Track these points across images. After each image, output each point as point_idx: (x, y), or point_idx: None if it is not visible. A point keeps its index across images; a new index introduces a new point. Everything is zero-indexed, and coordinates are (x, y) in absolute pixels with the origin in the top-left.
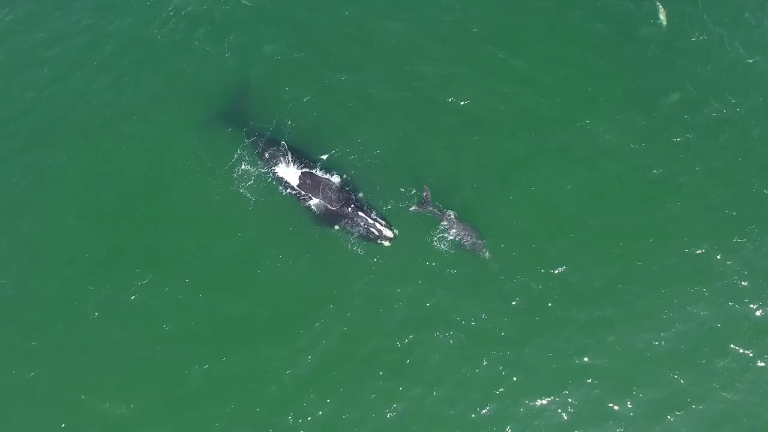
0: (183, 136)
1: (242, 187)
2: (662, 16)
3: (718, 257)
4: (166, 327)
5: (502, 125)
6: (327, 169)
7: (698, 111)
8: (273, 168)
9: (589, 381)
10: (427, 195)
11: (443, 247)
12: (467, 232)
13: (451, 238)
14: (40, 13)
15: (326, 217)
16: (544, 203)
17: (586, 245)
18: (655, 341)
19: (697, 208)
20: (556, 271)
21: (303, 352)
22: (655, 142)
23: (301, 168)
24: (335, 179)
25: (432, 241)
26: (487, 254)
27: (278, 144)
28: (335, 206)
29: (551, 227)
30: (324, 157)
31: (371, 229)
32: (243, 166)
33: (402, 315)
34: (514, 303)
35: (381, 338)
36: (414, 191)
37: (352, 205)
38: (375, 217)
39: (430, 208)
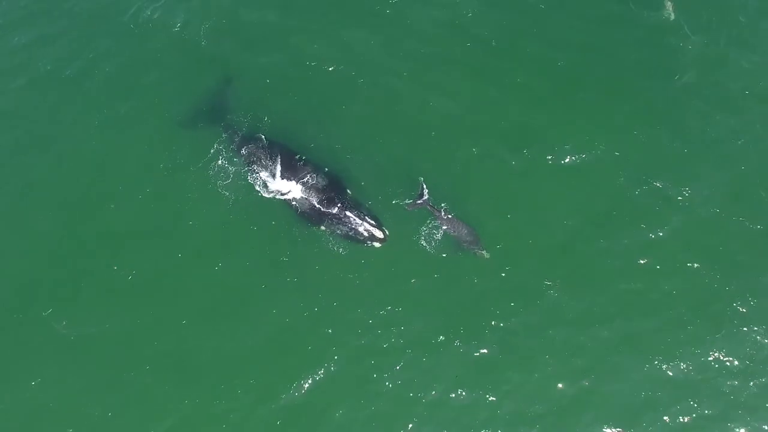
0: (155, 130)
1: (219, 184)
2: (669, 9)
3: (727, 276)
4: (138, 341)
5: (492, 131)
6: (310, 165)
7: (705, 118)
8: (252, 164)
9: (589, 406)
10: (423, 190)
11: (431, 247)
12: (466, 231)
13: (439, 237)
14: (8, 9)
15: (310, 217)
16: (540, 215)
17: (586, 261)
18: (661, 364)
19: (702, 221)
20: (553, 288)
21: (285, 380)
22: (658, 150)
23: (283, 165)
24: (320, 176)
25: (419, 240)
26: (486, 254)
27: (258, 139)
28: (321, 205)
29: (548, 241)
30: (307, 153)
31: (360, 229)
32: (220, 162)
33: (390, 335)
34: (508, 321)
35: (368, 360)
36: (401, 189)
37: (339, 204)
38: (364, 216)
39: (425, 204)
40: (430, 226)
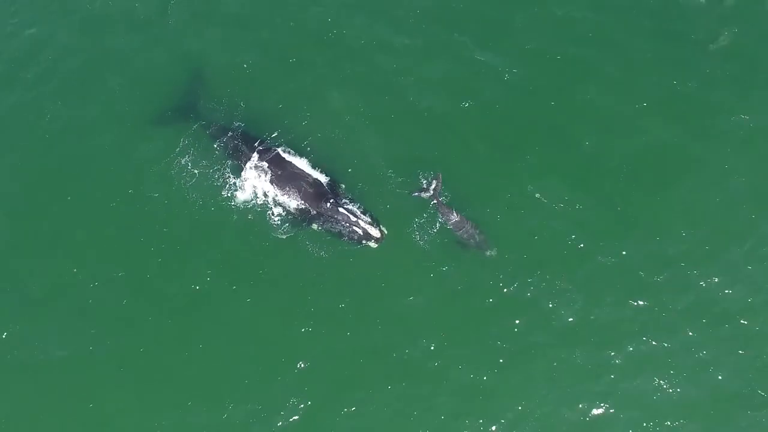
0: (121, 124)
1: (186, 184)
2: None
3: (742, 282)
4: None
5: (477, 130)
6: (296, 156)
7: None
8: (227, 159)
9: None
10: (438, 184)
11: (425, 242)
12: (472, 229)
13: (433, 231)
14: None
15: (297, 216)
16: (548, 222)
17: (599, 270)
18: (683, 384)
19: (722, 226)
20: (567, 304)
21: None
22: (675, 151)
23: (264, 158)
24: (308, 168)
25: (412, 233)
26: (493, 251)
27: (234, 129)
28: (312, 204)
29: (557, 251)
30: (291, 143)
31: (354, 228)
32: (187, 159)
33: (385, 358)
34: (514, 342)
35: (359, 388)
36: (391, 172)
37: (331, 200)
38: (358, 213)
39: (433, 197)
40: (424, 218)
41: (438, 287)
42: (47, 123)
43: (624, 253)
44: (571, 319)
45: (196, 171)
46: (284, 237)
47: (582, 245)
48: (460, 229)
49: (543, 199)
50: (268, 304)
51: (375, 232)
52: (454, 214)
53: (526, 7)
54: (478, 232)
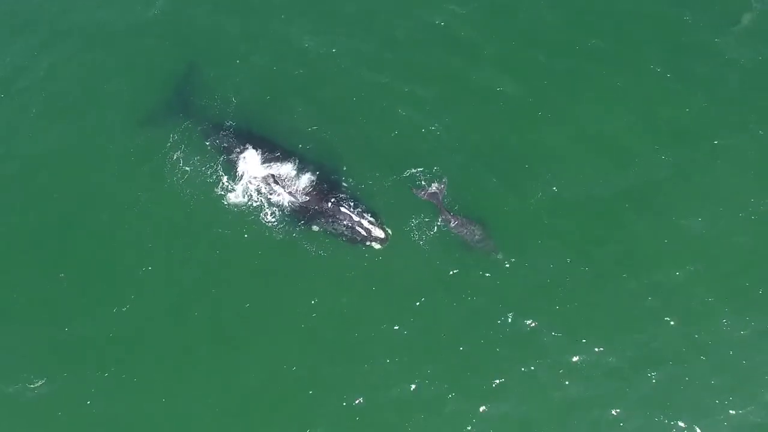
0: (107, 119)
1: (178, 181)
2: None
3: (754, 308)
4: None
5: (476, 147)
6: (294, 153)
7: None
8: (221, 156)
9: None
10: (443, 189)
11: (425, 243)
12: (478, 232)
13: (432, 233)
14: None
15: (294, 216)
16: (551, 247)
17: (604, 298)
18: (695, 415)
19: (731, 252)
20: (571, 333)
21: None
22: (683, 174)
23: (261, 154)
24: (308, 166)
25: (410, 232)
26: (499, 255)
27: (228, 126)
28: (311, 203)
29: (561, 278)
30: (288, 139)
31: (357, 228)
32: (179, 155)
33: (379, 386)
34: (515, 371)
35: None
36: (387, 169)
37: (333, 200)
38: (361, 213)
39: (436, 200)
40: (422, 217)
41: (439, 314)
42: (41, 123)
43: (628, 276)
44: (575, 348)
45: (188, 168)
46: (280, 238)
47: (587, 269)
48: (465, 232)
49: (545, 221)
50: (266, 313)
51: (379, 233)
52: (458, 220)
53: (526, 15)
54: (483, 235)
